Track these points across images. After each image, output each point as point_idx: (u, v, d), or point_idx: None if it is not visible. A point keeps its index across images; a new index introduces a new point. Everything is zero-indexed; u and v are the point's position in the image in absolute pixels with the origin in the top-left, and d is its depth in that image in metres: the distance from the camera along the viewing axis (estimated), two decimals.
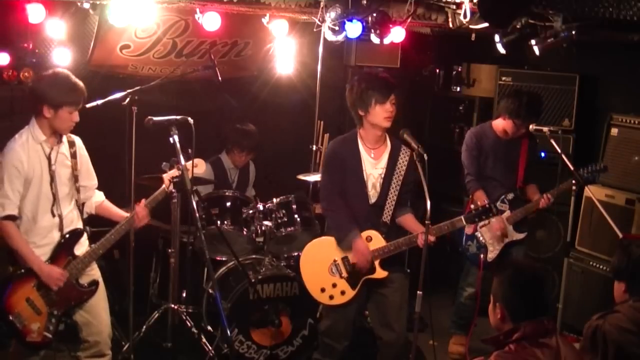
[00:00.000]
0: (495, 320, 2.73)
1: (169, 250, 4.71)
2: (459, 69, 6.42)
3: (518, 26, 4.68)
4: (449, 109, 6.56)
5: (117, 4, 4.16)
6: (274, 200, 4.97)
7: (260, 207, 4.94)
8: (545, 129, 4.79)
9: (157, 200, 4.11)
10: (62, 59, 4.52)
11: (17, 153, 3.63)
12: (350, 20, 4.59)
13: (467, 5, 4.30)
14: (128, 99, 4.12)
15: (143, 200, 4.05)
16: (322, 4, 4.50)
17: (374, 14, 4.63)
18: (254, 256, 5.00)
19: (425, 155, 3.82)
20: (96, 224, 4.12)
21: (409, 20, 4.75)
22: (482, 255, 4.94)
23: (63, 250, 3.80)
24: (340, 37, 4.74)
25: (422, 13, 4.79)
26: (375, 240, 4.05)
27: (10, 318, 3.64)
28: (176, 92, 5.26)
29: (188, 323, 4.70)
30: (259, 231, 4.92)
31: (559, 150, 4.71)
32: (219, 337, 4.60)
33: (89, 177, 3.99)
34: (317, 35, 5.12)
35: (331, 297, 4.11)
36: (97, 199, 4.06)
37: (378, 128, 4.04)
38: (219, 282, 4.76)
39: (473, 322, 4.83)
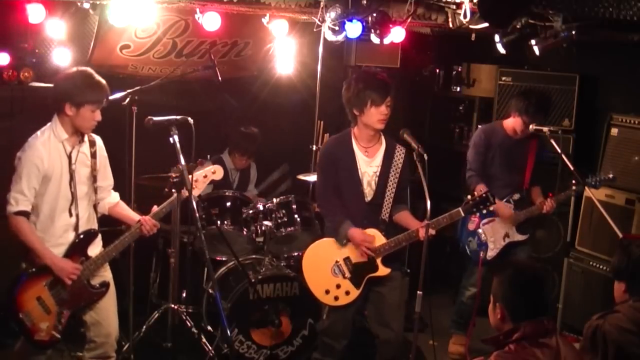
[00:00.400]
0: (495, 320, 2.73)
1: (169, 250, 4.71)
2: (459, 69, 6.42)
3: (518, 26, 4.68)
4: (449, 109, 6.58)
5: (117, 4, 4.16)
6: (274, 200, 4.98)
7: (260, 207, 4.94)
8: (545, 129, 4.78)
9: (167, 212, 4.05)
10: (62, 59, 4.53)
11: (38, 150, 3.60)
12: (350, 20, 4.59)
13: (467, 5, 4.30)
14: (128, 99, 4.13)
15: (155, 207, 3.98)
16: (322, 4, 4.50)
17: (374, 14, 4.64)
18: (254, 256, 5.00)
19: (425, 155, 3.82)
20: (103, 223, 4.07)
21: (409, 20, 4.75)
22: (482, 253, 4.95)
23: (76, 250, 3.76)
24: (340, 37, 4.74)
25: (422, 13, 4.79)
26: (375, 237, 4.04)
27: (20, 316, 3.62)
28: (176, 92, 5.25)
29: (188, 323, 4.69)
30: (259, 231, 4.92)
31: (559, 150, 4.70)
32: (219, 337, 4.60)
33: (106, 177, 3.95)
34: (317, 35, 5.12)
35: (336, 298, 4.11)
36: (111, 200, 4.00)
37: (371, 129, 4.05)
38: (219, 282, 4.76)
39: (472, 322, 4.83)
